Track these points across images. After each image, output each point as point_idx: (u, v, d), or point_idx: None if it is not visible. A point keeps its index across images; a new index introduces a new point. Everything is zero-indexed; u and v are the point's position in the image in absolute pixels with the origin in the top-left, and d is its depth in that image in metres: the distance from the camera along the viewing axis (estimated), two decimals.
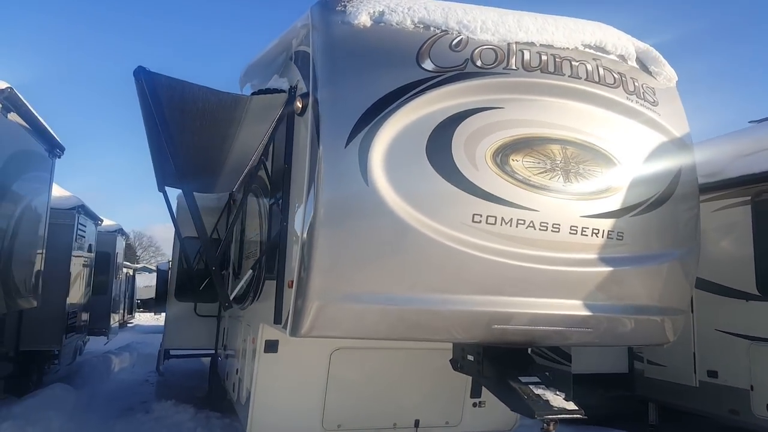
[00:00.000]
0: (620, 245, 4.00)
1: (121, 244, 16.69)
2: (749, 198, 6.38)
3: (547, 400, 3.76)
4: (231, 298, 4.91)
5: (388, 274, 3.59)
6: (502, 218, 3.68)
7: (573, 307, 3.91)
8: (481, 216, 3.64)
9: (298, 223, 3.78)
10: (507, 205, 3.69)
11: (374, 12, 3.81)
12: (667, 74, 4.60)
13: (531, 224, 3.74)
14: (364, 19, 3.78)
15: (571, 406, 3.77)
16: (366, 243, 3.53)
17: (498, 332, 3.83)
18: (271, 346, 4.61)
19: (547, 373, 4.23)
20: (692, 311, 6.85)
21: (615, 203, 3.99)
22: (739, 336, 6.32)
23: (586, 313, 3.95)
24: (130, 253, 37.65)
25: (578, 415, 3.75)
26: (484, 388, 5.03)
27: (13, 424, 6.35)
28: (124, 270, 19.99)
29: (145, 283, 26.41)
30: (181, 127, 5.18)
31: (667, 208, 4.22)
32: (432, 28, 3.84)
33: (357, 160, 3.49)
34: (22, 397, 7.58)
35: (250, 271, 4.78)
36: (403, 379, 5.00)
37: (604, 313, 4.02)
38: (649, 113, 4.26)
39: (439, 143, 3.62)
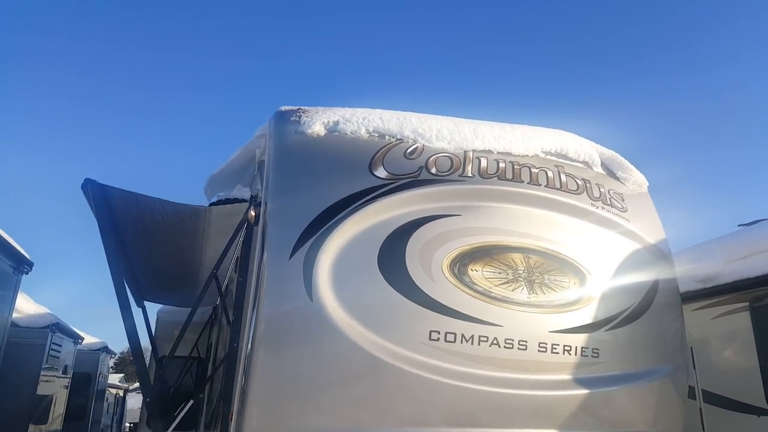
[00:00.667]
0: (596, 363, 3.64)
1: (105, 364, 16.01)
2: (747, 303, 6.06)
3: None
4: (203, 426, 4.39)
5: (336, 406, 3.21)
6: (463, 335, 3.36)
7: None
8: (439, 333, 3.33)
9: (243, 343, 3.46)
10: (467, 320, 3.39)
11: (329, 122, 3.78)
12: (636, 180, 4.51)
13: (495, 341, 3.42)
14: (317, 129, 3.74)
15: None
16: (309, 368, 3.19)
17: None
18: None
19: None
20: (703, 429, 6.28)
21: (587, 316, 3.68)
22: None
23: None
24: (129, 371, 35.78)
25: None
26: None
27: None
28: (113, 391, 18.98)
29: (139, 405, 25.07)
30: (143, 240, 5.06)
31: (646, 320, 3.90)
32: (387, 137, 3.78)
33: (301, 273, 3.25)
34: None
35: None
36: None
37: None
38: (617, 219, 4.09)
39: (392, 253, 3.40)
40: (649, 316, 3.94)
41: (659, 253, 4.23)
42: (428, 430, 3.27)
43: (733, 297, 6.25)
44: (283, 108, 3.93)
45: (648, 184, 4.65)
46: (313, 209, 3.41)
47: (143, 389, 4.36)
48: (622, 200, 4.26)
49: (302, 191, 3.53)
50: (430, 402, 3.26)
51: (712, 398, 6.33)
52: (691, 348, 6.68)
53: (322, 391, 3.19)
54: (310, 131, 3.72)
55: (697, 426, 6.45)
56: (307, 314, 3.20)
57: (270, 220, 3.45)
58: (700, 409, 6.44)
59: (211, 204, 4.61)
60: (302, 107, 3.92)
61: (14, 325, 7.86)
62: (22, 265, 7.42)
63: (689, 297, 6.77)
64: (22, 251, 7.27)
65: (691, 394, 6.59)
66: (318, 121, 3.75)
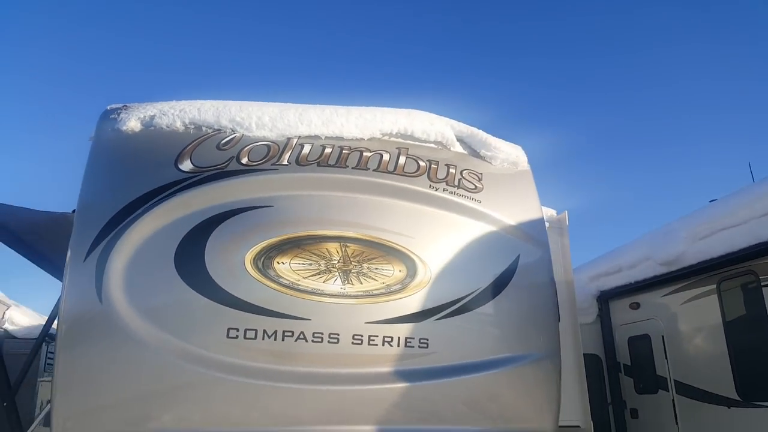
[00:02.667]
0: (425, 355, 3.44)
1: None
2: (714, 286, 5.70)
3: None
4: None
5: (132, 409, 3.12)
6: (264, 331, 3.22)
7: None
8: (237, 330, 3.20)
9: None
10: (270, 315, 3.24)
11: (145, 116, 3.66)
12: (506, 158, 4.24)
13: (302, 336, 3.27)
14: (132, 125, 3.63)
15: None
16: (103, 372, 3.11)
17: None
18: None
19: None
20: (676, 422, 6.00)
21: (413, 306, 3.48)
22: None
23: None
24: None
25: None
26: None
27: None
28: None
29: None
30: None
31: (493, 307, 3.68)
32: (204, 128, 3.64)
33: (93, 274, 3.17)
34: None
35: None
36: None
37: None
38: (464, 201, 3.86)
39: (190, 250, 3.27)
40: (499, 302, 3.71)
41: (521, 235, 3.98)
42: (227, 430, 3.15)
43: (699, 280, 5.90)
44: (109, 106, 3.83)
45: (526, 160, 4.38)
46: (110, 208, 3.31)
47: None
48: (479, 180, 4.02)
49: (107, 190, 3.44)
50: (227, 401, 3.14)
51: (684, 389, 6.03)
52: (662, 337, 6.38)
53: (118, 394, 3.11)
54: (125, 128, 3.61)
55: (670, 418, 6.15)
56: (97, 318, 3.12)
57: (76, 221, 3.37)
58: (673, 400, 6.14)
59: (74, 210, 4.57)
60: (128, 104, 3.81)
61: None
62: None
63: (655, 282, 6.45)
64: None
65: (664, 385, 6.29)
66: (134, 117, 3.64)
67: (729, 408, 5.36)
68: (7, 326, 9.04)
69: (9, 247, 4.83)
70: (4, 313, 9.02)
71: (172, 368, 3.10)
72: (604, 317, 7.32)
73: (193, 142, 3.56)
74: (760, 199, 5.37)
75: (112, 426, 3.08)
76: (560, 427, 4.53)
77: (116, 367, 3.11)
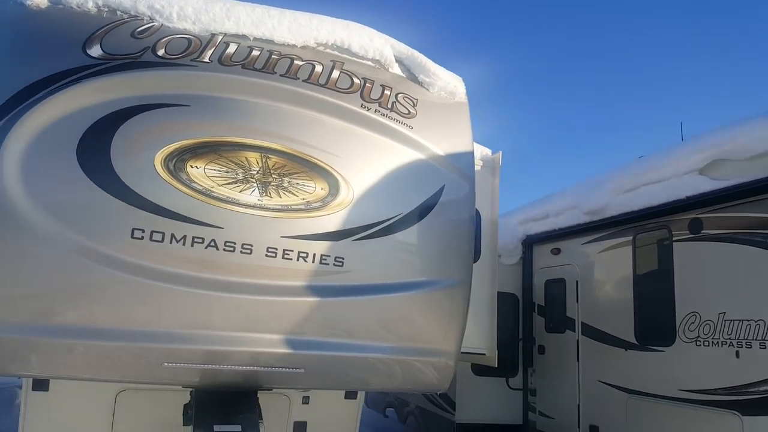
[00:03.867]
0: (339, 273, 3.44)
1: None
2: (630, 238, 5.95)
3: None
4: None
5: (33, 304, 2.97)
6: (173, 235, 3.10)
7: (273, 342, 3.32)
8: (143, 231, 3.05)
9: None
10: (179, 219, 3.11)
11: None
12: (444, 86, 4.14)
13: (212, 243, 3.16)
14: (39, 1, 3.24)
15: None
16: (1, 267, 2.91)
17: (173, 372, 3.21)
18: (40, 384, 3.91)
19: (261, 421, 3.60)
20: (578, 359, 6.39)
21: (332, 224, 3.44)
22: (618, 388, 5.89)
23: (291, 350, 3.35)
24: None
25: None
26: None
27: None
28: None
29: None
30: None
31: (412, 232, 3.69)
32: (119, 13, 3.30)
33: None
34: None
35: None
36: None
37: (319, 351, 3.43)
38: (394, 125, 3.77)
39: (94, 143, 3.04)
40: (418, 229, 3.73)
41: (449, 166, 3.96)
42: (128, 329, 3.07)
43: (617, 231, 6.14)
44: None
45: (464, 92, 4.29)
46: (8, 89, 2.99)
47: None
48: (413, 106, 3.92)
49: (5, 68, 3.09)
50: (127, 301, 3.05)
51: (588, 330, 6.40)
52: (576, 282, 6.68)
53: (16, 289, 2.94)
54: (30, 2, 3.22)
55: (573, 355, 6.55)
56: None
57: None
58: (578, 340, 6.52)
59: None
60: None
61: None
62: None
63: (578, 230, 6.67)
64: None
65: (572, 326, 6.65)
66: None
67: (626, 350, 5.78)
68: None
69: None
70: None
71: (74, 265, 2.95)
72: (526, 260, 7.62)
73: (105, 26, 3.23)
74: (684, 158, 5.58)
75: (16, 318, 2.92)
76: (468, 354, 4.77)
77: (11, 257, 2.91)
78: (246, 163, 3.27)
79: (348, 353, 3.51)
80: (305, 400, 4.59)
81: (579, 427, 6.42)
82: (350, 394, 4.80)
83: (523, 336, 7.40)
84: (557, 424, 6.74)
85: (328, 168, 3.46)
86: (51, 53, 3.11)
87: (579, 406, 6.46)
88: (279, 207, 3.30)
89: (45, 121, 3.00)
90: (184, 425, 3.73)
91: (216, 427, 3.35)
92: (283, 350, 3.33)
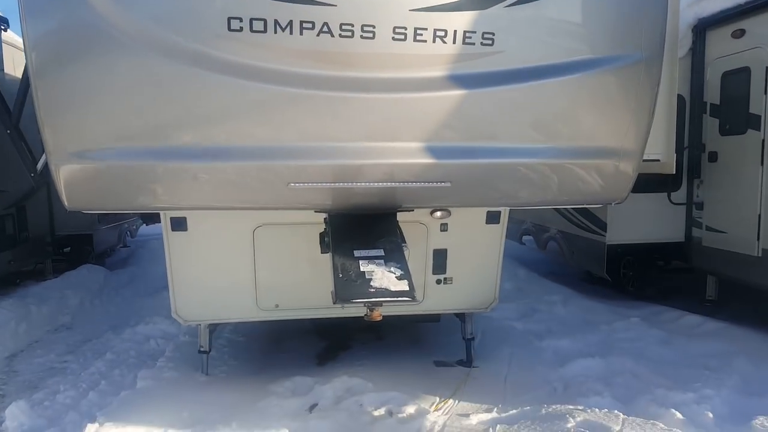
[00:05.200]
0: (488, 54, 2.62)
1: None
2: None
3: (369, 279, 2.76)
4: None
5: (127, 120, 2.56)
6: (276, 21, 2.43)
7: (411, 152, 2.71)
8: (241, 21, 2.42)
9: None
10: None
11: None
12: None
13: (325, 28, 2.46)
14: None
15: (399, 286, 2.75)
16: (92, 82, 2.48)
17: (301, 194, 2.77)
18: (179, 224, 3.89)
19: (404, 244, 3.17)
20: (762, 162, 5.28)
21: None
22: None
23: (433, 159, 2.74)
24: None
25: (405, 298, 2.74)
26: (450, 263, 4.14)
27: (21, 302, 6.15)
28: None
29: None
30: None
31: None
32: None
33: None
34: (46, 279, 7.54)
35: None
36: None
37: (467, 159, 2.79)
38: None
39: None
40: None
41: None
42: (243, 146, 2.61)
43: None
44: None
45: None
46: None
47: None
48: None
49: None
50: (229, 109, 2.53)
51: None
52: (767, 68, 5.26)
53: (107, 104, 2.53)
54: None
55: (756, 160, 5.41)
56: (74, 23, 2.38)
57: None
58: (763, 140, 5.36)
59: None
60: None
61: None
62: None
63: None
64: None
65: (755, 123, 5.42)
66: None
67: None
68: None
69: None
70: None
71: (166, 72, 2.45)
72: (697, 50, 6.13)
73: None
74: None
75: (114, 142, 2.58)
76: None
77: (105, 74, 2.47)
78: None
79: (505, 159, 2.83)
80: (443, 227, 4.12)
81: (759, 239, 5.47)
82: (492, 218, 4.23)
83: (690, 143, 6.23)
84: (730, 239, 5.83)
85: None
86: None
87: (760, 216, 5.44)
88: None
89: None
90: (321, 253, 3.42)
91: (357, 252, 2.96)
92: (424, 160, 2.71)
